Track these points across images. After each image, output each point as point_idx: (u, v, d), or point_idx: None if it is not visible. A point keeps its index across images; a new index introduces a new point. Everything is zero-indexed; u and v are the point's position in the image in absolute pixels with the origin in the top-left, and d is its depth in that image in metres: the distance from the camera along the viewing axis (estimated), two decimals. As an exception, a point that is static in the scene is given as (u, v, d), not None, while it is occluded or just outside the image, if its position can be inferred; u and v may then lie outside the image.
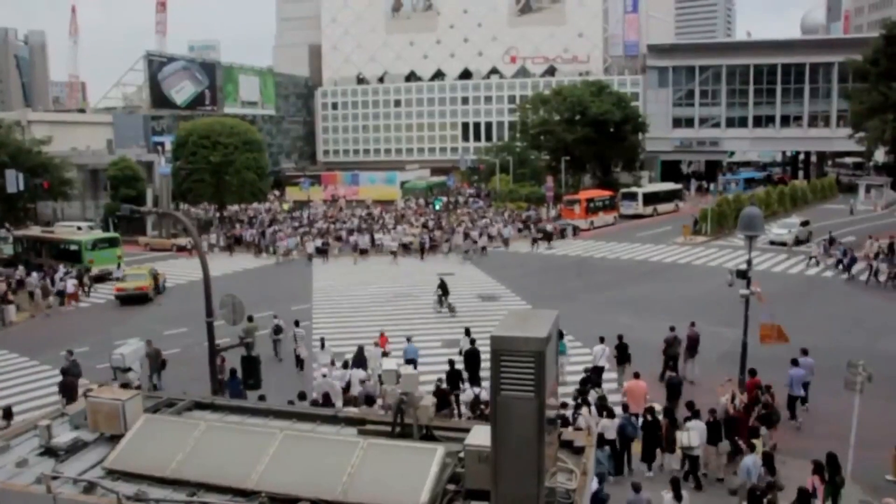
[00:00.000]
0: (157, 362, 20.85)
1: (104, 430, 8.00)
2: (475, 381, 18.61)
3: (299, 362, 22.27)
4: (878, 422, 15.70)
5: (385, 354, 20.00)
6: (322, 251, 44.07)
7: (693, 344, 20.53)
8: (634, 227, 53.10)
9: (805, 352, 18.06)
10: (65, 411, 8.88)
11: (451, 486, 6.79)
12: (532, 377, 5.80)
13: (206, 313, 16.09)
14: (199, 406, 9.12)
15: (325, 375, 18.25)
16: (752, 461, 13.53)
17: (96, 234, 45.31)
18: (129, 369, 18.73)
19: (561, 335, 21.16)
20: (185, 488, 6.96)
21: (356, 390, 17.61)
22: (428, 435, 7.91)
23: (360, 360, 19.58)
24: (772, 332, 17.56)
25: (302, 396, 16.19)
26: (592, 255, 41.98)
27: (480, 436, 6.59)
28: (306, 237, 47.31)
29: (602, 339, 20.08)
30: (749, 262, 17.63)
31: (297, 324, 23.46)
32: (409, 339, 21.57)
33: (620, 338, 20.29)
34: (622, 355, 20.00)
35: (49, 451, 7.82)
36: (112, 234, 46.18)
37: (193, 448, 7.37)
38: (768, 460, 12.40)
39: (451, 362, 19.05)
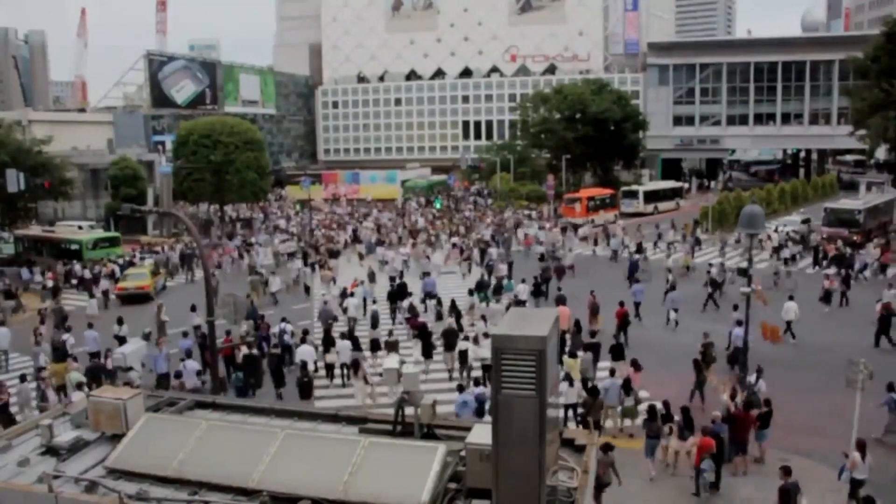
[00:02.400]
0: (59, 318, 26.57)
1: (106, 429, 8.00)
2: (403, 299, 27.11)
3: (307, 290, 32.58)
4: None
5: (351, 294, 27.35)
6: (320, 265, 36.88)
7: (560, 272, 32.09)
8: (634, 225, 52.93)
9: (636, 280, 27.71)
10: (66, 410, 8.89)
11: (453, 485, 6.79)
12: (533, 376, 5.81)
13: (207, 312, 16.12)
14: (201, 405, 9.13)
15: (326, 303, 25.78)
16: (609, 384, 16.48)
17: (97, 233, 45.40)
18: (131, 368, 18.79)
19: (509, 276, 30.34)
20: (186, 487, 6.97)
21: (351, 312, 25.55)
22: (429, 433, 7.91)
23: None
24: (770, 329, 17.61)
25: (305, 332, 21.31)
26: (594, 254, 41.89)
27: (482, 434, 6.59)
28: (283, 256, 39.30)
29: (524, 280, 28.24)
30: (750, 260, 17.63)
31: (306, 263, 35.32)
32: (361, 283, 29.15)
33: (536, 278, 29.09)
34: (537, 291, 28.52)
35: (51, 451, 7.82)
36: (113, 233, 46.26)
37: (195, 447, 7.38)
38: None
39: (392, 279, 30.62)
